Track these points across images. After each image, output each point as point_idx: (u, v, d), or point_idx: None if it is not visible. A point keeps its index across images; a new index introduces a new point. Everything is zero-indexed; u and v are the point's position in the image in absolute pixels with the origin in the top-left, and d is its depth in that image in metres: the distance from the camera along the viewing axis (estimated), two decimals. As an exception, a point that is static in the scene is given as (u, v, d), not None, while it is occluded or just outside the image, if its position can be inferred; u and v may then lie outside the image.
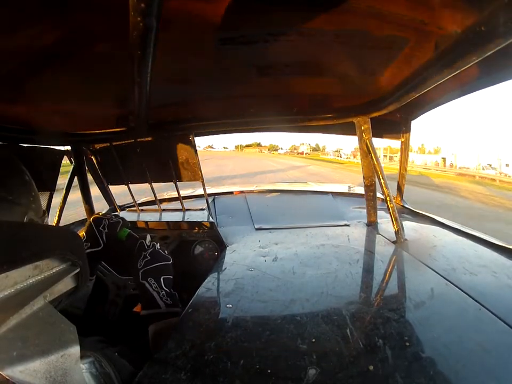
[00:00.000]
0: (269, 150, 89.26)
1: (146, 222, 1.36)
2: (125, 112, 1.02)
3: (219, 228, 1.27)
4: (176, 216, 1.41)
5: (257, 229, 1.31)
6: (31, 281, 0.40)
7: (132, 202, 1.59)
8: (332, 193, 1.87)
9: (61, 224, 1.38)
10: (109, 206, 1.66)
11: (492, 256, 0.92)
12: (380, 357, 0.50)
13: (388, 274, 0.85)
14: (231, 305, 0.68)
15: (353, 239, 1.12)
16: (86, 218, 1.50)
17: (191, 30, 0.59)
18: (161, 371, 0.49)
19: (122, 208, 1.68)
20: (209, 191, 1.72)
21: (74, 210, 2.22)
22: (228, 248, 1.08)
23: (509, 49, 0.48)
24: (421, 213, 1.49)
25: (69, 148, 1.33)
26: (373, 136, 1.15)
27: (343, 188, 2.16)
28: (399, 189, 1.60)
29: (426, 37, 0.61)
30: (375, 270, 0.87)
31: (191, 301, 0.72)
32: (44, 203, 1.10)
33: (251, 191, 2.01)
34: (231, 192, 1.99)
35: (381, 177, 1.14)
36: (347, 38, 0.65)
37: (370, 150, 1.15)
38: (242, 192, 1.97)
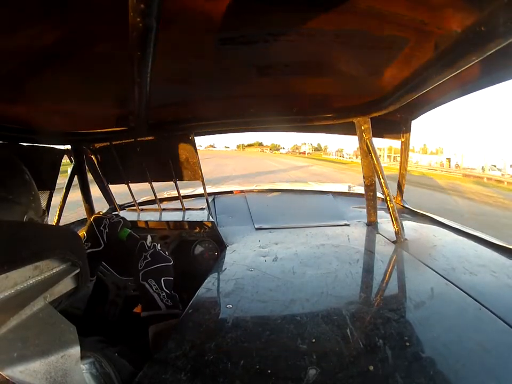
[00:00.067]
0: (270, 149, 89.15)
1: (146, 222, 1.36)
2: (125, 112, 1.02)
3: (219, 228, 1.27)
4: (176, 216, 1.41)
5: (257, 229, 1.31)
6: (31, 281, 0.40)
7: (132, 202, 1.59)
8: (332, 193, 1.87)
9: (61, 223, 1.38)
10: (109, 206, 1.66)
11: (491, 255, 0.92)
12: (380, 357, 0.50)
13: (388, 274, 0.85)
14: (231, 306, 0.68)
15: (353, 239, 1.12)
16: (86, 218, 1.50)
17: (191, 30, 0.59)
18: (161, 371, 0.49)
19: (122, 207, 1.68)
20: (209, 190, 1.72)
21: (74, 210, 2.21)
22: (228, 248, 1.08)
23: (509, 49, 0.48)
24: (420, 213, 1.49)
25: (69, 147, 1.33)
26: (373, 136, 1.15)
27: (343, 188, 2.16)
28: (399, 189, 1.60)
29: (426, 37, 0.61)
30: (375, 270, 0.87)
31: (191, 301, 0.72)
32: (43, 202, 1.10)
33: (251, 191, 2.01)
34: (231, 192, 1.99)
35: (381, 177, 1.14)
36: (347, 38, 0.65)
37: (371, 149, 1.15)
38: (242, 191, 1.96)
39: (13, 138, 1.00)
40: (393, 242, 1.06)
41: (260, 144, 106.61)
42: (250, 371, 0.48)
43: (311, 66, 0.80)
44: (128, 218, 0.90)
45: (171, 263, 0.78)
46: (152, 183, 1.39)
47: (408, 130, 1.37)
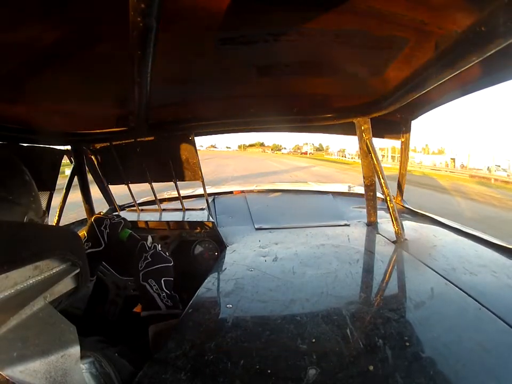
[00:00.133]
0: (272, 149, 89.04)
1: (146, 222, 1.36)
2: (125, 112, 1.02)
3: (219, 228, 1.27)
4: (176, 216, 1.41)
5: (257, 229, 1.31)
6: (31, 281, 0.40)
7: (132, 202, 1.59)
8: (332, 193, 1.87)
9: (61, 223, 1.38)
10: (109, 206, 1.66)
11: (492, 256, 0.92)
12: (380, 357, 0.50)
13: (388, 274, 0.85)
14: (231, 305, 0.68)
15: (353, 239, 1.12)
16: (86, 218, 1.50)
17: (191, 30, 0.59)
18: (161, 371, 0.49)
19: (122, 208, 1.68)
20: (209, 190, 1.72)
21: (75, 210, 2.21)
22: (227, 248, 1.08)
23: (509, 49, 0.48)
24: (420, 213, 1.49)
25: (69, 147, 1.33)
26: (373, 136, 1.15)
27: (343, 188, 2.16)
28: (399, 189, 1.60)
29: (426, 37, 0.61)
30: (375, 270, 0.87)
31: (191, 301, 0.72)
32: (43, 203, 1.10)
33: (251, 191, 2.01)
34: (231, 192, 1.99)
35: (381, 177, 1.14)
36: (347, 38, 0.65)
37: (371, 150, 1.15)
38: (242, 192, 1.96)
39: (13, 139, 1.00)
40: (393, 242, 1.06)
41: (261, 145, 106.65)
42: (250, 371, 0.48)
43: (311, 66, 0.80)
44: (128, 219, 0.90)
45: (171, 264, 0.78)
46: (152, 183, 1.39)
47: (408, 130, 1.37)
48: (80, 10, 0.48)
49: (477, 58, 0.51)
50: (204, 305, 0.69)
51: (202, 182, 1.35)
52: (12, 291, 0.37)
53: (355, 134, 1.19)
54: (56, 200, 1.25)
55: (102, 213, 0.92)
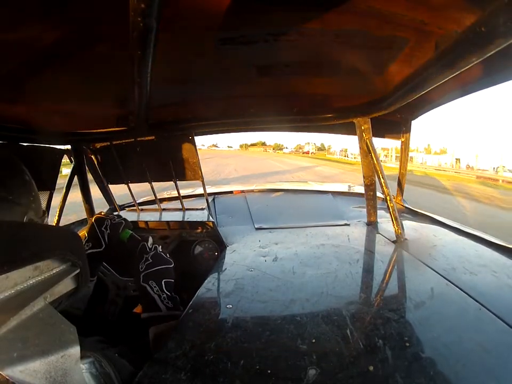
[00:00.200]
0: (273, 149, 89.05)
1: (146, 222, 1.36)
2: (125, 112, 1.02)
3: (219, 228, 1.27)
4: (176, 216, 1.41)
5: (257, 229, 1.31)
6: (31, 282, 0.40)
7: (132, 202, 1.59)
8: (332, 192, 1.87)
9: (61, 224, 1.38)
10: (109, 206, 1.66)
11: (492, 255, 0.92)
12: (380, 357, 0.50)
13: (388, 274, 0.85)
14: (231, 306, 0.68)
15: (353, 239, 1.12)
16: (86, 218, 1.50)
17: (191, 30, 0.59)
18: (161, 371, 0.49)
19: (122, 207, 1.68)
20: (209, 190, 1.72)
21: (74, 210, 2.20)
22: (227, 248, 1.08)
23: (509, 50, 0.48)
24: (420, 213, 1.49)
25: (69, 147, 1.33)
26: (373, 136, 1.15)
27: (343, 188, 2.16)
28: (400, 189, 1.60)
29: (426, 37, 0.61)
30: (375, 270, 0.87)
31: (191, 302, 0.72)
32: (43, 203, 1.10)
33: (251, 191, 2.01)
34: (231, 192, 1.99)
35: (381, 176, 1.14)
36: (347, 38, 0.65)
37: (371, 149, 1.15)
38: (242, 191, 1.97)
39: (13, 138, 1.00)
40: (393, 242, 1.06)
41: (263, 144, 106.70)
42: (250, 371, 0.48)
43: (311, 66, 0.80)
44: (128, 219, 0.90)
45: (172, 265, 0.78)
46: (152, 183, 1.39)
47: (408, 130, 1.37)
48: (80, 10, 0.48)
49: (477, 58, 0.51)
50: (204, 306, 0.69)
51: (202, 181, 1.35)
52: (12, 291, 0.37)
53: (355, 134, 1.19)
54: (56, 200, 1.25)
55: (102, 213, 0.92)
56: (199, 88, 0.93)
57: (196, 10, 0.52)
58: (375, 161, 1.14)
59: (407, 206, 1.62)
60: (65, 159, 1.31)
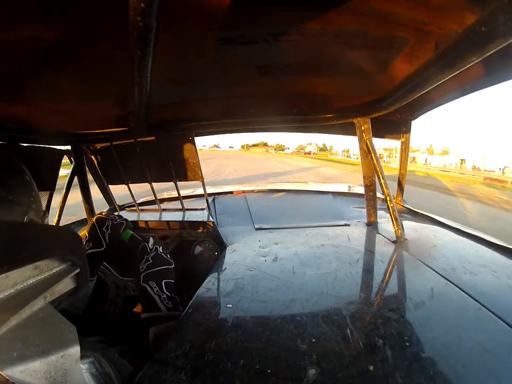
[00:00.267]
0: (275, 149, 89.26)
1: (146, 222, 1.36)
2: (125, 112, 1.02)
3: (219, 228, 1.27)
4: (176, 216, 1.41)
5: (257, 229, 1.31)
6: (31, 281, 0.40)
7: (132, 202, 1.59)
8: (332, 193, 1.87)
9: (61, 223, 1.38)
10: (109, 206, 1.66)
11: (492, 255, 0.92)
12: (380, 357, 0.50)
13: (388, 274, 0.85)
14: (231, 305, 0.68)
15: (353, 239, 1.12)
16: (86, 218, 1.50)
17: (191, 30, 0.59)
18: (161, 371, 0.49)
19: (122, 207, 1.68)
20: (209, 190, 1.72)
21: (74, 210, 2.19)
22: (227, 248, 1.08)
23: (509, 49, 0.48)
24: (420, 213, 1.49)
25: (69, 147, 1.33)
26: (373, 136, 1.15)
27: (343, 188, 2.16)
28: (400, 189, 1.60)
29: (426, 37, 0.61)
30: (375, 270, 0.87)
31: (191, 301, 0.72)
32: (43, 203, 1.10)
33: (251, 191, 2.01)
34: (231, 192, 1.99)
35: (381, 177, 1.14)
36: (347, 38, 0.65)
37: (371, 150, 1.15)
38: (242, 192, 1.97)
39: (13, 139, 1.00)
40: (393, 242, 1.06)
41: (265, 144, 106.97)
42: (250, 371, 0.48)
43: (311, 66, 0.80)
44: (128, 219, 0.90)
45: (172, 266, 0.78)
46: (152, 183, 1.39)
47: (408, 130, 1.37)
48: (80, 10, 0.48)
49: (477, 58, 0.51)
50: (204, 305, 0.69)
51: (202, 182, 1.35)
52: (12, 291, 0.37)
53: (355, 134, 1.19)
54: (56, 200, 1.25)
55: (103, 213, 0.92)
56: (199, 88, 0.93)
57: (196, 10, 0.53)
58: (375, 162, 1.14)
59: (407, 206, 1.62)
60: (64, 160, 1.31)
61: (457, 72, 0.58)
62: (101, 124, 1.14)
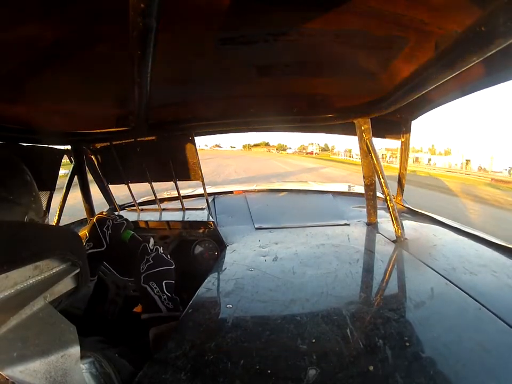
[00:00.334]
0: (277, 149, 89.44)
1: (146, 222, 1.36)
2: (125, 112, 1.02)
3: (219, 228, 1.27)
4: (176, 216, 1.41)
5: (257, 229, 1.31)
6: (31, 281, 0.40)
7: (132, 202, 1.59)
8: (332, 192, 1.87)
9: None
10: (109, 206, 1.66)
11: (492, 255, 0.92)
12: (380, 357, 0.50)
13: (388, 274, 0.85)
14: (231, 305, 0.68)
15: (353, 239, 1.12)
16: (86, 218, 1.50)
17: (191, 30, 0.59)
18: (161, 371, 0.49)
19: (122, 207, 1.68)
20: (209, 190, 1.72)
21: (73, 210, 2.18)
22: (227, 247, 1.08)
23: (509, 49, 0.48)
24: (420, 212, 1.49)
25: (69, 147, 1.33)
26: (373, 136, 1.15)
27: (343, 188, 2.16)
28: (400, 189, 1.60)
29: (426, 37, 0.61)
30: (375, 270, 0.87)
31: (191, 301, 0.72)
32: (43, 203, 1.10)
33: (251, 191, 2.01)
34: (231, 192, 1.99)
35: (381, 176, 1.14)
36: (347, 38, 0.65)
37: (371, 150, 1.15)
38: (242, 191, 1.97)
39: (13, 139, 1.00)
40: (393, 241, 1.06)
41: (267, 144, 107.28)
42: (250, 371, 0.48)
43: (311, 66, 0.80)
44: (129, 219, 0.90)
45: (173, 267, 0.78)
46: (152, 183, 1.39)
47: (408, 130, 1.37)
48: (80, 10, 0.48)
49: (477, 58, 0.51)
50: (204, 305, 0.69)
51: (202, 181, 1.35)
52: (12, 291, 0.37)
53: (355, 134, 1.19)
54: (56, 200, 1.25)
55: (104, 213, 0.92)
56: (199, 88, 0.93)
57: (196, 10, 0.53)
58: (375, 162, 1.14)
59: (407, 206, 1.62)
60: (64, 160, 1.31)
61: (458, 72, 0.58)
62: (101, 123, 1.14)
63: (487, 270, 0.81)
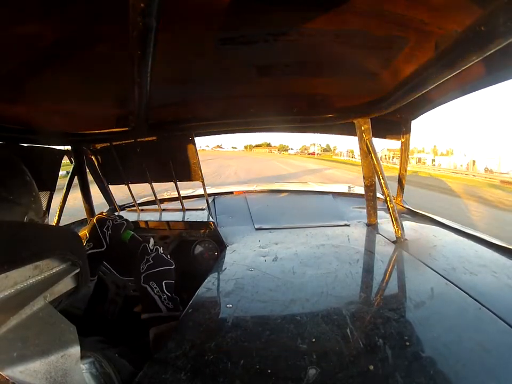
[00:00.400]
0: (278, 150, 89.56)
1: (146, 222, 1.36)
2: (125, 112, 1.02)
3: (219, 228, 1.27)
4: (176, 216, 1.41)
5: (257, 229, 1.31)
6: (31, 281, 0.40)
7: (132, 202, 1.59)
8: (332, 193, 1.87)
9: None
10: (109, 206, 1.66)
11: (492, 256, 0.92)
12: (380, 357, 0.50)
13: (388, 274, 0.85)
14: (231, 305, 0.68)
15: (353, 239, 1.12)
16: (85, 218, 1.50)
17: (191, 30, 0.59)
18: (161, 371, 0.49)
19: (122, 208, 1.68)
20: (209, 191, 1.72)
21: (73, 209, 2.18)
22: (227, 248, 1.08)
23: (509, 49, 0.48)
24: (420, 213, 1.49)
25: (69, 147, 1.33)
26: (373, 136, 1.15)
27: (343, 188, 2.16)
28: (400, 189, 1.60)
29: (426, 37, 0.61)
30: (375, 270, 0.87)
31: (191, 301, 0.72)
32: (43, 203, 1.10)
33: (251, 191, 2.01)
34: (231, 192, 1.99)
35: (381, 177, 1.14)
36: (347, 38, 0.65)
37: (371, 150, 1.15)
38: (242, 192, 1.97)
39: (13, 139, 1.00)
40: (393, 242, 1.06)
41: (268, 145, 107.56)
42: (250, 371, 0.48)
43: (311, 66, 0.80)
44: (129, 219, 0.90)
45: (173, 267, 0.78)
46: (152, 183, 1.39)
47: (408, 130, 1.37)
48: (80, 10, 0.48)
49: (477, 58, 0.51)
50: (204, 305, 0.69)
51: (203, 182, 1.35)
52: (12, 291, 0.37)
53: (355, 134, 1.19)
54: (56, 200, 1.25)
55: (104, 213, 0.92)
56: (199, 88, 0.93)
57: (196, 10, 0.53)
58: (375, 162, 1.14)
59: (407, 206, 1.62)
60: (64, 160, 1.31)
61: (457, 71, 0.58)
62: (101, 124, 1.14)
63: (487, 270, 0.81)
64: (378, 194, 1.29)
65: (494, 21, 0.43)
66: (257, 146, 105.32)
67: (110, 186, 1.51)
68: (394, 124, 1.36)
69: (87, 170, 1.44)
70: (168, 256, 0.80)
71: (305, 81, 0.91)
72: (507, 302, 0.66)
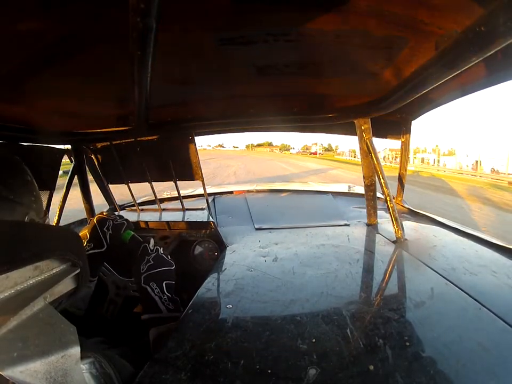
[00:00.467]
0: (280, 149, 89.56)
1: (146, 222, 1.36)
2: (125, 112, 1.02)
3: (219, 228, 1.27)
4: (176, 216, 1.41)
5: (257, 229, 1.31)
6: (31, 282, 0.40)
7: (132, 202, 1.59)
8: (332, 193, 1.87)
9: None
10: (109, 206, 1.66)
11: (492, 256, 0.92)
12: (380, 357, 0.50)
13: (388, 274, 0.85)
14: (231, 306, 0.68)
15: (353, 239, 1.12)
16: (85, 218, 1.50)
17: (191, 30, 0.59)
18: (161, 371, 0.49)
19: (122, 207, 1.68)
20: (209, 190, 1.72)
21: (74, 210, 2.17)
22: (227, 248, 1.08)
23: (509, 49, 0.48)
24: (421, 213, 1.49)
25: (69, 146, 1.33)
26: (373, 136, 1.15)
27: (343, 188, 2.16)
28: (400, 189, 1.60)
29: (426, 37, 0.61)
30: (375, 270, 0.87)
31: (191, 302, 0.72)
32: (43, 203, 1.10)
33: (251, 191, 2.01)
34: (231, 192, 1.99)
35: (381, 177, 1.14)
36: (347, 38, 0.64)
37: (371, 150, 1.15)
38: (242, 192, 1.97)
39: (13, 138, 1.00)
40: (393, 242, 1.06)
41: (270, 144, 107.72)
42: (251, 371, 0.48)
43: (311, 66, 0.80)
44: (129, 219, 0.90)
45: (173, 267, 0.78)
46: (152, 183, 1.39)
47: (408, 130, 1.37)
48: (80, 10, 0.48)
49: (477, 58, 0.51)
50: (204, 306, 0.69)
51: (203, 181, 1.35)
52: (12, 291, 0.37)
53: (355, 134, 1.19)
54: (56, 200, 1.25)
55: (104, 213, 0.92)
56: (199, 88, 0.93)
57: (196, 10, 0.52)
58: (375, 162, 1.14)
59: (407, 206, 1.62)
60: (64, 159, 1.31)
61: (458, 72, 0.58)
62: (101, 123, 1.14)
63: (487, 270, 0.81)
64: (379, 194, 1.29)
65: (494, 21, 0.43)
66: (258, 145, 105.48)
67: (110, 185, 1.51)
68: (395, 124, 1.36)
69: (87, 169, 1.44)
70: (169, 256, 0.80)
71: (305, 81, 0.91)
72: (507, 302, 0.66)
